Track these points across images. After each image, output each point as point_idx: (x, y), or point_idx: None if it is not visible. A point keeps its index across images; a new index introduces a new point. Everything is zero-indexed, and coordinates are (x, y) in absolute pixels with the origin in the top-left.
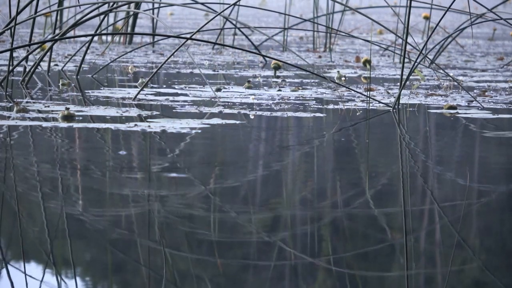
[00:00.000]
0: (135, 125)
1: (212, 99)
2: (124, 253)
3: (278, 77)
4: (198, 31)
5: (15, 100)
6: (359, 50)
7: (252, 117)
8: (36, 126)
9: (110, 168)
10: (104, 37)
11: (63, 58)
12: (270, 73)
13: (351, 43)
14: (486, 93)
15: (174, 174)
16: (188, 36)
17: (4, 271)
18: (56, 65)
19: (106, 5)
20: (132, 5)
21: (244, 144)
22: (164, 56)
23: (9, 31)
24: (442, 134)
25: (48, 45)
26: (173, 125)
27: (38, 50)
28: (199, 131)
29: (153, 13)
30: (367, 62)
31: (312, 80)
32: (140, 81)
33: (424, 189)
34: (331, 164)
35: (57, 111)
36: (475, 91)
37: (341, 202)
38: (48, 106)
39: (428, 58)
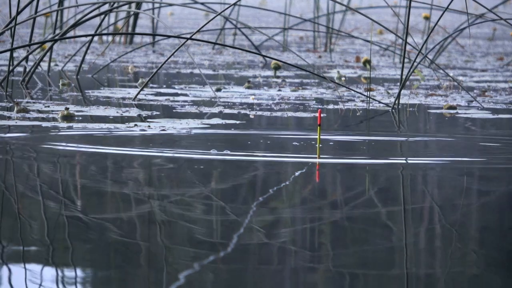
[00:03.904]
0: (135, 125)
1: (212, 99)
2: (122, 250)
3: (278, 77)
4: (198, 31)
5: (15, 100)
6: (359, 50)
7: (252, 117)
8: (36, 126)
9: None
10: (104, 37)
11: (63, 58)
12: (270, 73)
13: (351, 43)
14: (486, 93)
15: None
16: (188, 36)
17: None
18: (56, 65)
19: (107, 5)
20: (133, 5)
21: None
22: (164, 56)
23: (9, 31)
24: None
25: (48, 45)
26: (173, 125)
27: (38, 50)
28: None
29: (153, 13)
30: (367, 62)
31: (312, 80)
32: (140, 81)
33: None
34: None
35: (57, 111)
36: (475, 91)
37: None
38: (48, 106)
39: (428, 58)
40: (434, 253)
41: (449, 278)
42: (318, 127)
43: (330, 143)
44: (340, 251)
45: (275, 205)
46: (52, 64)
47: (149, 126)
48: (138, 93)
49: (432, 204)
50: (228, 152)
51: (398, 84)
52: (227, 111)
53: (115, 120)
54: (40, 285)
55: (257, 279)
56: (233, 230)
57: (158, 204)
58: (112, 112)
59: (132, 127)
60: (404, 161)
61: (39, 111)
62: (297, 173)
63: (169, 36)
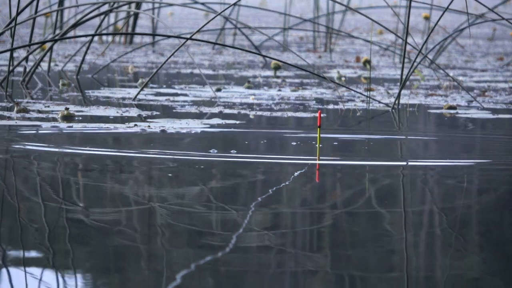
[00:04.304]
0: (135, 125)
1: (212, 99)
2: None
3: (278, 77)
4: (198, 31)
5: (15, 100)
6: (359, 50)
7: (252, 117)
8: (36, 126)
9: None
10: (104, 37)
11: (63, 58)
12: (270, 73)
13: (351, 43)
14: (486, 93)
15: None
16: (188, 36)
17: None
18: (56, 65)
19: (107, 5)
20: (133, 5)
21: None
22: (164, 56)
23: (9, 31)
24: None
25: (48, 45)
26: (173, 125)
27: (38, 50)
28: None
29: (153, 13)
30: (367, 62)
31: (312, 80)
32: (140, 81)
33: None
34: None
35: (57, 111)
36: (475, 91)
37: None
38: (48, 106)
39: (428, 58)
40: (434, 255)
41: (449, 280)
42: (318, 128)
43: (335, 143)
44: (338, 253)
45: (271, 208)
46: (52, 64)
47: (149, 126)
48: (138, 93)
49: (431, 205)
50: (234, 152)
51: (398, 84)
52: (227, 111)
53: (115, 120)
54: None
55: (255, 280)
56: (229, 232)
57: (155, 205)
58: (112, 112)
59: (132, 127)
60: (404, 163)
61: (39, 111)
62: (295, 175)
63: (169, 36)
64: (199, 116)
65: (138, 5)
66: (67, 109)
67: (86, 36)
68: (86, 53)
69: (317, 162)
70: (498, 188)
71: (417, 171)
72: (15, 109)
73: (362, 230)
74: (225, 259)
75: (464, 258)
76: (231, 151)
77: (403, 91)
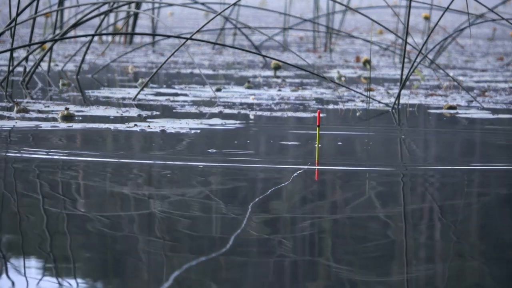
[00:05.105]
0: (135, 125)
1: (212, 99)
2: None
3: (278, 77)
4: (198, 31)
5: (15, 100)
6: (359, 50)
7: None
8: (36, 126)
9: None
10: (104, 37)
11: (63, 58)
12: (270, 73)
13: (351, 43)
14: (486, 93)
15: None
16: (188, 36)
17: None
18: (56, 65)
19: (107, 5)
20: (133, 5)
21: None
22: (164, 56)
23: (9, 31)
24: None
25: (48, 45)
26: (172, 125)
27: (38, 50)
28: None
29: (153, 13)
30: (367, 62)
31: (312, 80)
32: (140, 81)
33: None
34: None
35: (57, 111)
36: (475, 91)
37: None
38: (48, 106)
39: (428, 58)
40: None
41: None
42: (317, 128)
43: (337, 143)
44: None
45: (267, 211)
46: (52, 64)
47: (149, 126)
48: (138, 93)
49: (429, 208)
50: (239, 151)
51: (398, 84)
52: (227, 111)
53: (115, 120)
54: None
55: (254, 283)
56: (226, 233)
57: (154, 205)
58: (112, 112)
59: (132, 127)
60: (403, 166)
61: (39, 111)
62: (294, 178)
63: (169, 36)
64: (199, 116)
65: (138, 5)
66: (67, 109)
67: (86, 36)
68: (86, 53)
69: (316, 165)
70: (499, 190)
71: (416, 173)
72: (15, 109)
73: (360, 233)
74: (223, 262)
75: (464, 264)
76: (210, 150)
77: (403, 91)
